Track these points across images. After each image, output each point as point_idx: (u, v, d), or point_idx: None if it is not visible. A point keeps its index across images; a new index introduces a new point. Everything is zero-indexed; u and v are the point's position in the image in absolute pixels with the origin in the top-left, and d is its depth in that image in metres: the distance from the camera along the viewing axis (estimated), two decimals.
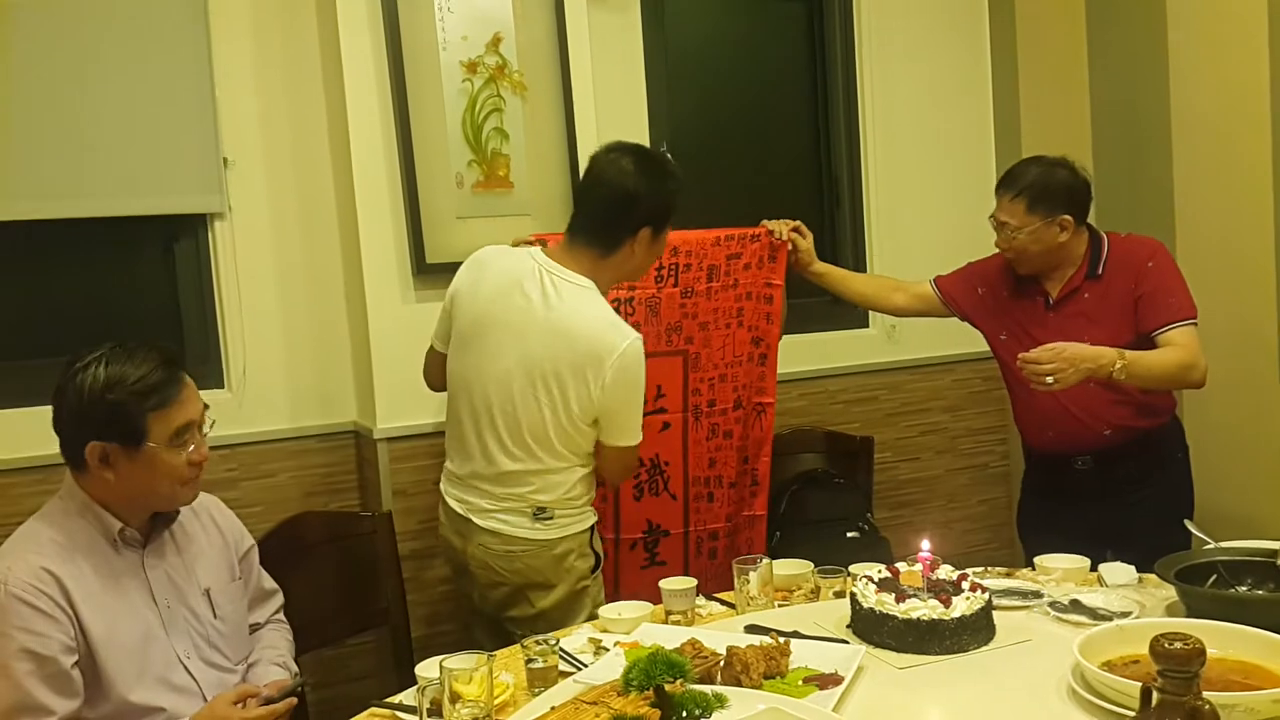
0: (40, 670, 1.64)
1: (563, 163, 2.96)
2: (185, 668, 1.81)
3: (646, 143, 3.26)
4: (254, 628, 2.03)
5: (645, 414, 2.57)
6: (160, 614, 1.80)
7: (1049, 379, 2.29)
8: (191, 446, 1.78)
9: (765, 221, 2.77)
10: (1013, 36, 3.67)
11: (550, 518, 2.30)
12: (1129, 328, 2.47)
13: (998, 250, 2.63)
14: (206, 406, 1.85)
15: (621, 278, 2.38)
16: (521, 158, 2.89)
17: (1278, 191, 3.00)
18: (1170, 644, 1.09)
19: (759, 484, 2.81)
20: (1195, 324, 2.45)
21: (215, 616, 1.88)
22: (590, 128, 3.01)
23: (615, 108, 3.17)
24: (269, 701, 1.78)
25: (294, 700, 1.82)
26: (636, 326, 2.57)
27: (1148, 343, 2.44)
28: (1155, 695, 1.12)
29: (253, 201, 2.91)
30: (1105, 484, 2.54)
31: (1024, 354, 2.34)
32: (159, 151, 2.78)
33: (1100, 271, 2.53)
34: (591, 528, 2.37)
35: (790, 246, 2.76)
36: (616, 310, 2.52)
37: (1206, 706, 1.07)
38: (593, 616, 2.19)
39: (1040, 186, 2.48)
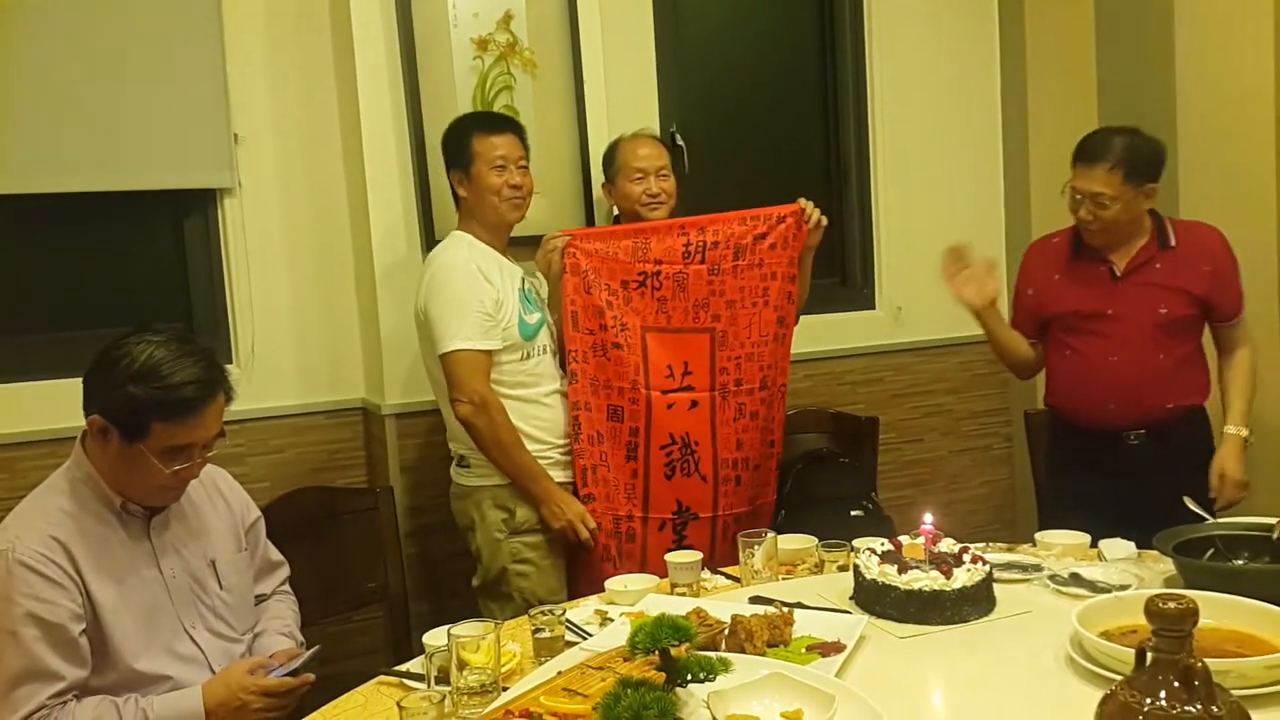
0: (48, 636, 1.65)
1: (573, 141, 2.98)
2: (191, 638, 1.83)
3: (656, 125, 3.29)
4: (260, 599, 2.05)
5: (673, 390, 2.66)
6: (166, 584, 1.81)
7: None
8: (180, 465, 1.75)
9: (803, 200, 2.74)
10: (1021, 23, 3.67)
11: (468, 466, 2.57)
12: (1195, 300, 2.54)
13: (1077, 218, 2.57)
14: (222, 434, 1.80)
15: (484, 220, 2.56)
16: (532, 136, 2.87)
17: None
18: (1164, 604, 1.12)
19: (779, 466, 2.83)
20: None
21: (221, 587, 1.90)
22: (600, 107, 3.03)
23: (625, 89, 3.19)
24: (292, 672, 1.80)
25: (311, 677, 1.83)
26: (663, 301, 2.65)
27: (1213, 326, 2.61)
28: (1149, 655, 1.14)
29: (263, 177, 2.94)
30: (1155, 460, 2.55)
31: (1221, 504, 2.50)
32: (170, 126, 2.81)
33: (1173, 243, 2.56)
34: (500, 488, 2.53)
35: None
36: (643, 283, 2.65)
37: (1199, 665, 1.09)
38: (518, 574, 2.51)
39: (1134, 157, 2.49)
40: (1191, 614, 1.11)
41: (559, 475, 2.58)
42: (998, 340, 2.76)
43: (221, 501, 1.98)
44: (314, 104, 2.97)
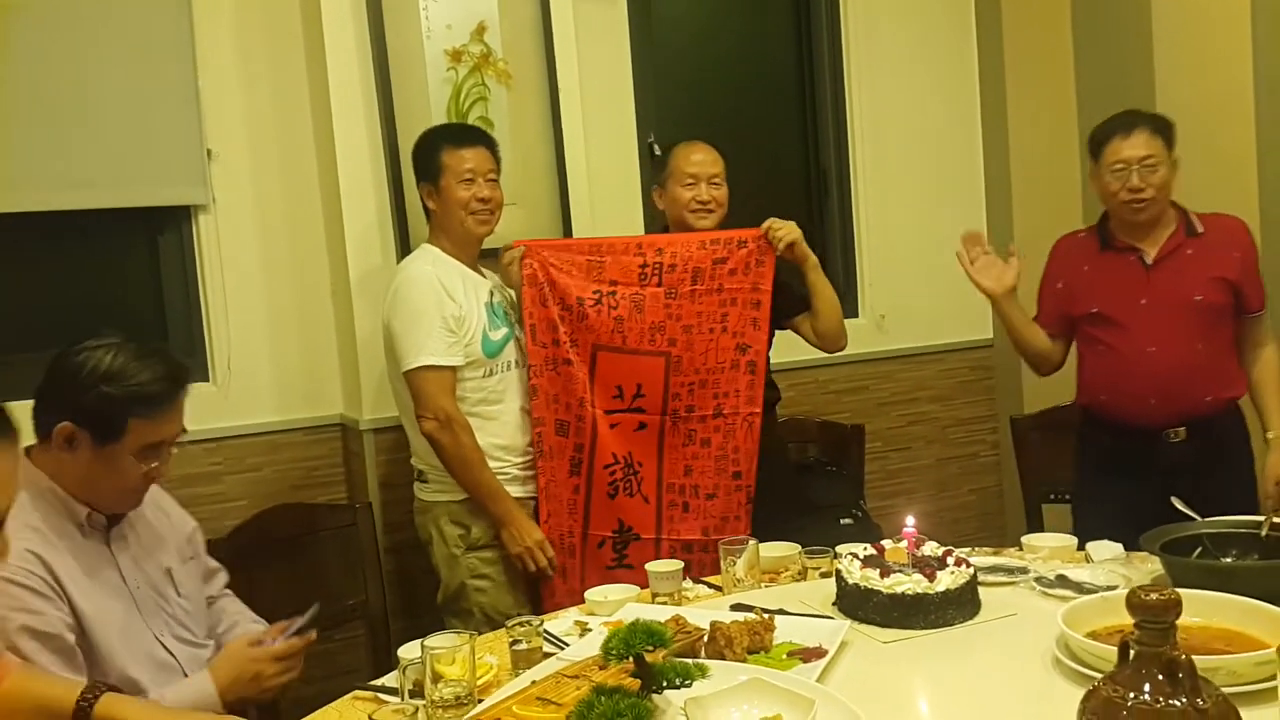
0: (46, 646, 1.63)
1: (548, 153, 2.96)
2: (163, 645, 1.81)
3: (634, 135, 3.28)
4: (210, 601, 2.03)
5: (621, 410, 2.62)
6: (132, 594, 1.80)
7: None
8: (155, 464, 1.76)
9: (773, 220, 2.65)
10: (999, 26, 3.68)
11: (426, 481, 2.57)
12: (1229, 286, 2.51)
13: (1119, 195, 2.51)
14: (184, 430, 1.82)
15: (452, 234, 2.53)
16: (507, 147, 2.87)
17: (1262, 188, 3.02)
18: (1146, 595, 1.09)
19: (752, 500, 2.70)
20: None
21: (179, 595, 1.89)
22: (576, 118, 3.01)
23: (602, 99, 3.18)
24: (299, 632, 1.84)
25: (313, 634, 1.86)
26: (619, 320, 2.60)
27: (1239, 319, 2.56)
28: (1133, 649, 1.11)
29: (237, 193, 2.91)
30: (1195, 459, 2.49)
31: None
32: (142, 143, 2.78)
33: (1200, 230, 2.54)
34: (456, 503, 2.50)
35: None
36: (599, 301, 2.59)
37: (1183, 657, 1.06)
38: (475, 590, 2.49)
39: (1164, 124, 2.53)
40: (1174, 605, 1.08)
41: (516, 490, 2.55)
42: (1016, 330, 2.71)
43: (162, 514, 1.97)
44: (287, 118, 2.94)
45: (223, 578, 2.10)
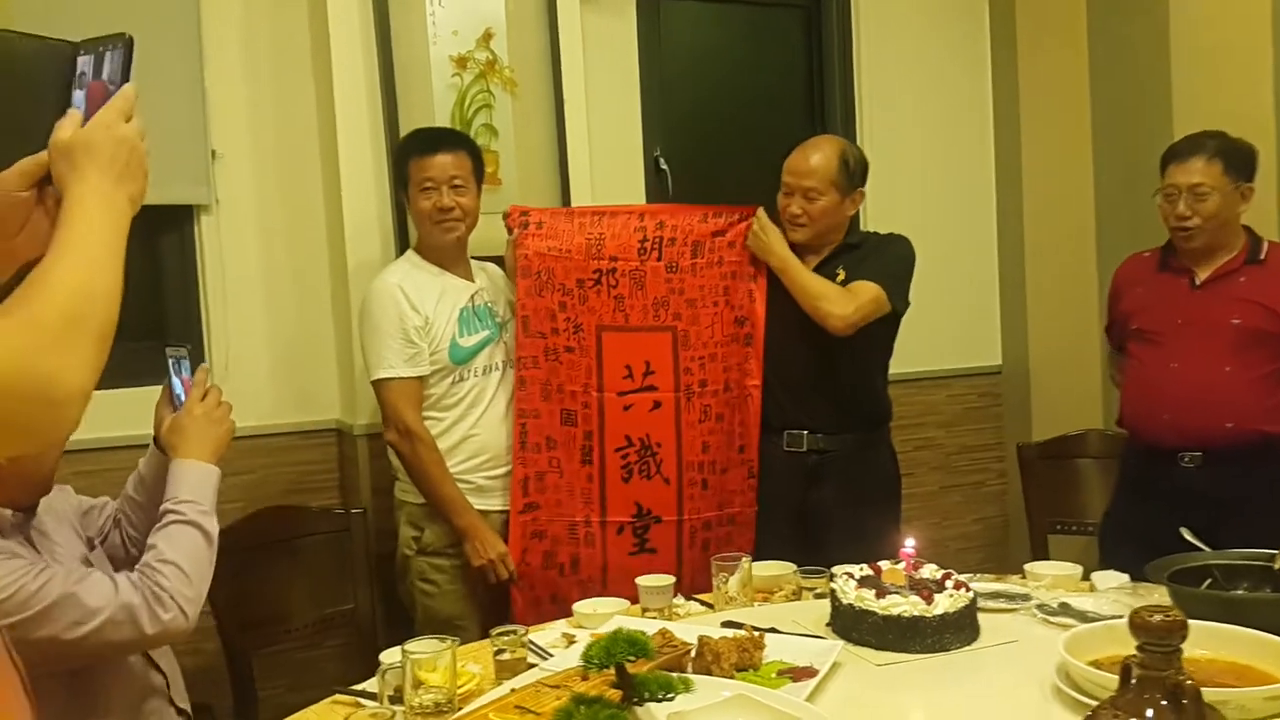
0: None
1: (552, 162, 2.94)
2: None
3: (640, 148, 3.25)
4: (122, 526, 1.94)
5: (634, 391, 2.60)
6: None
7: None
8: None
9: (760, 214, 2.61)
10: (1014, 47, 3.65)
11: (397, 479, 2.57)
12: (1276, 318, 2.41)
13: (1168, 220, 2.48)
14: None
15: (425, 241, 2.53)
16: (510, 155, 2.86)
17: None
18: (1150, 615, 1.03)
19: (754, 475, 2.66)
20: None
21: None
22: (581, 128, 2.99)
23: (608, 111, 3.16)
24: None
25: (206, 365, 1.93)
26: (620, 299, 2.58)
27: None
28: (1135, 672, 1.06)
29: (240, 194, 2.88)
30: (1210, 488, 2.39)
31: None
32: (147, 141, 2.74)
33: (1263, 258, 2.46)
34: (415, 506, 2.49)
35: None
36: (598, 280, 2.59)
37: (1188, 683, 1.01)
38: (422, 592, 2.50)
39: (1232, 150, 2.45)
40: (1179, 626, 1.03)
41: (496, 502, 2.51)
42: None
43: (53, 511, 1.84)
44: (292, 121, 2.92)
45: (109, 508, 1.98)
